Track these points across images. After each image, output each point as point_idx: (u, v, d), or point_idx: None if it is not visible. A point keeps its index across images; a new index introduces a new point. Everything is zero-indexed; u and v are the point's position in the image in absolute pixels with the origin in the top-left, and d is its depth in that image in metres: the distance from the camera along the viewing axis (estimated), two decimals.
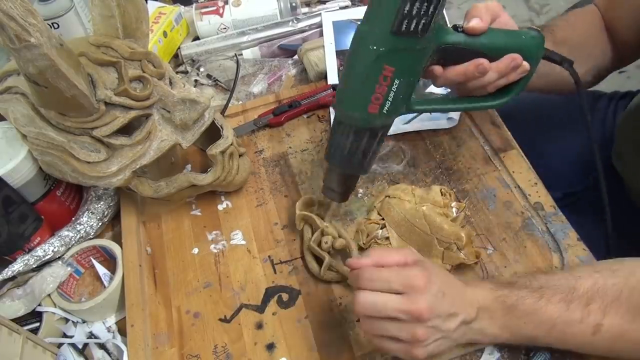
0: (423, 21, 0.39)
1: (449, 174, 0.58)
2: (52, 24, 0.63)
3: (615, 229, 0.50)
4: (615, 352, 0.41)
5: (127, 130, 0.49)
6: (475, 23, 0.43)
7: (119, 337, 0.51)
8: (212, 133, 0.54)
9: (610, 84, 0.73)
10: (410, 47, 0.41)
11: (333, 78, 0.69)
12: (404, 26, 0.39)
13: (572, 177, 0.69)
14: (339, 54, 0.71)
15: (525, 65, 0.46)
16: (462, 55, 0.45)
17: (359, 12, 0.77)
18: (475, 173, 0.57)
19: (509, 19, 0.48)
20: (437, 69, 0.46)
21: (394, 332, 0.39)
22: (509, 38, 0.46)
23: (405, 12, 0.39)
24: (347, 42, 0.73)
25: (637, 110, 0.61)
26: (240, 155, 0.56)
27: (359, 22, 0.74)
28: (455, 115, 0.60)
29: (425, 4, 0.39)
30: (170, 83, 0.52)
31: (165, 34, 0.75)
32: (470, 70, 0.45)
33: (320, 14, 0.77)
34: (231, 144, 0.54)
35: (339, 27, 0.75)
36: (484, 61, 0.44)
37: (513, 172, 0.56)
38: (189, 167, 0.63)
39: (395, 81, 0.42)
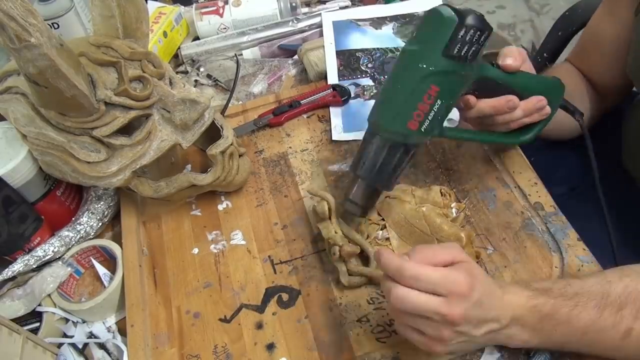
0: (473, 48, 0.43)
1: (449, 174, 0.58)
2: (52, 24, 0.63)
3: (629, 229, 0.50)
4: None
5: (127, 130, 0.49)
6: (510, 61, 0.47)
7: (119, 337, 0.52)
8: (212, 133, 0.54)
9: None
10: (457, 71, 0.44)
11: (333, 78, 0.69)
12: (456, 50, 0.43)
13: (576, 170, 0.68)
14: (339, 54, 0.71)
15: (548, 108, 0.50)
16: (494, 90, 0.48)
17: (359, 12, 0.77)
18: (475, 173, 0.57)
19: (531, 67, 0.51)
20: (472, 98, 0.48)
21: (422, 327, 0.40)
22: (537, 81, 0.50)
23: (460, 37, 0.42)
24: (347, 42, 0.73)
25: None
26: (240, 156, 0.56)
27: (359, 23, 0.75)
28: (455, 116, 0.60)
29: (478, 32, 0.43)
30: (171, 83, 0.52)
31: (165, 34, 0.75)
32: (502, 104, 0.48)
33: (320, 14, 0.77)
34: (231, 144, 0.54)
35: (339, 27, 0.75)
36: (514, 98, 0.48)
37: (513, 172, 0.56)
38: (189, 167, 0.63)
39: (438, 101, 0.45)
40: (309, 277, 0.52)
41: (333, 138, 0.63)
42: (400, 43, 0.73)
